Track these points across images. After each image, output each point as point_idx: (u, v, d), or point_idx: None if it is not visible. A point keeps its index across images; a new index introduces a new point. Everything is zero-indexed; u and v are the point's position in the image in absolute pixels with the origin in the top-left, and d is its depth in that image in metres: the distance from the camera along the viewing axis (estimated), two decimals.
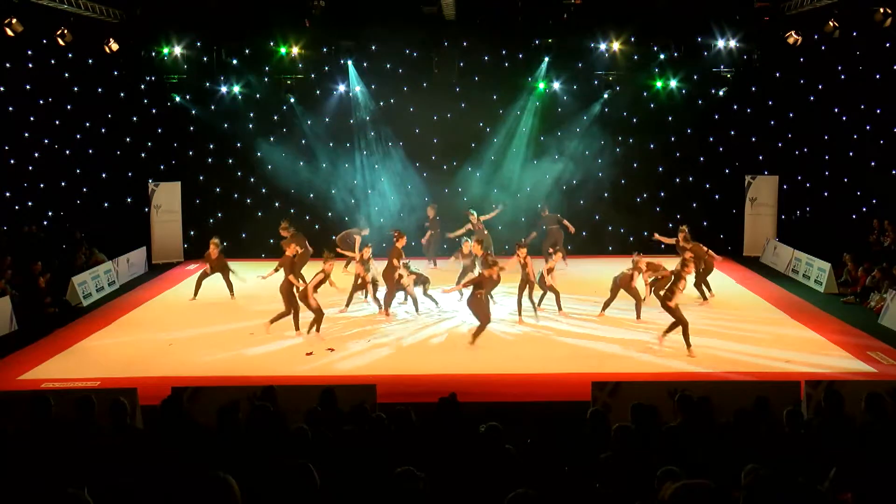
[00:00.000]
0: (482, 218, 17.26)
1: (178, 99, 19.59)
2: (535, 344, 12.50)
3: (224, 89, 19.60)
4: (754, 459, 4.64)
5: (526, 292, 13.66)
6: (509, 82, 19.74)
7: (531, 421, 7.02)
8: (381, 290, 14.32)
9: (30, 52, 18.53)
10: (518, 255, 13.48)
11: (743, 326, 13.31)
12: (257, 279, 14.48)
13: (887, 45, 17.54)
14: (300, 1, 17.09)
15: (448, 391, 7.51)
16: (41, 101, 19.09)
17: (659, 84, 19.51)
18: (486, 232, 16.83)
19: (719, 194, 20.50)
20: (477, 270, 13.99)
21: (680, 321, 11.56)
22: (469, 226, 16.98)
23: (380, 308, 14.17)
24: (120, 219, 19.74)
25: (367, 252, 14.27)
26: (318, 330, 12.67)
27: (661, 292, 12.46)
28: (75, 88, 19.45)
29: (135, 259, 18.63)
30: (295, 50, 18.79)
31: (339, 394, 7.66)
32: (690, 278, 12.54)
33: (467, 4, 17.77)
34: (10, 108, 18.61)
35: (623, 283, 13.53)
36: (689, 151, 20.23)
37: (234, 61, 19.44)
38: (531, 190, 19.94)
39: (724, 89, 19.23)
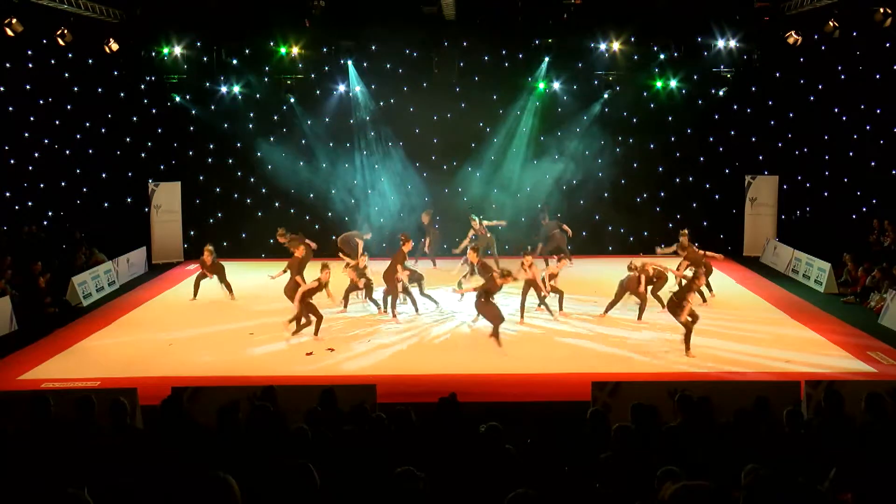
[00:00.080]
0: (485, 223, 17.00)
1: (178, 99, 19.58)
2: (535, 344, 12.51)
3: (224, 89, 19.59)
4: (754, 459, 4.64)
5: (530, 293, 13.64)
6: (509, 82, 19.72)
7: (531, 421, 7.03)
8: (378, 292, 14.26)
9: (30, 52, 18.53)
10: (524, 263, 13.47)
11: (743, 326, 13.31)
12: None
13: (887, 45, 17.54)
14: (300, 1, 17.07)
15: (448, 391, 7.52)
16: (41, 101, 19.08)
17: (659, 84, 19.50)
18: (488, 235, 16.75)
19: (719, 194, 20.49)
20: (477, 275, 14.00)
21: (686, 327, 11.61)
22: (472, 232, 16.71)
23: (379, 308, 14.15)
24: (120, 219, 19.74)
25: (364, 260, 14.20)
26: (298, 330, 12.61)
27: (661, 294, 12.44)
28: (75, 88, 19.45)
29: (135, 259, 18.63)
30: (295, 50, 18.77)
31: (339, 394, 7.66)
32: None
33: (467, 4, 17.75)
34: (10, 108, 18.61)
35: (630, 287, 13.53)
36: (689, 151, 20.22)
37: (234, 61, 19.43)
38: (531, 190, 19.92)
39: (724, 89, 19.22)
